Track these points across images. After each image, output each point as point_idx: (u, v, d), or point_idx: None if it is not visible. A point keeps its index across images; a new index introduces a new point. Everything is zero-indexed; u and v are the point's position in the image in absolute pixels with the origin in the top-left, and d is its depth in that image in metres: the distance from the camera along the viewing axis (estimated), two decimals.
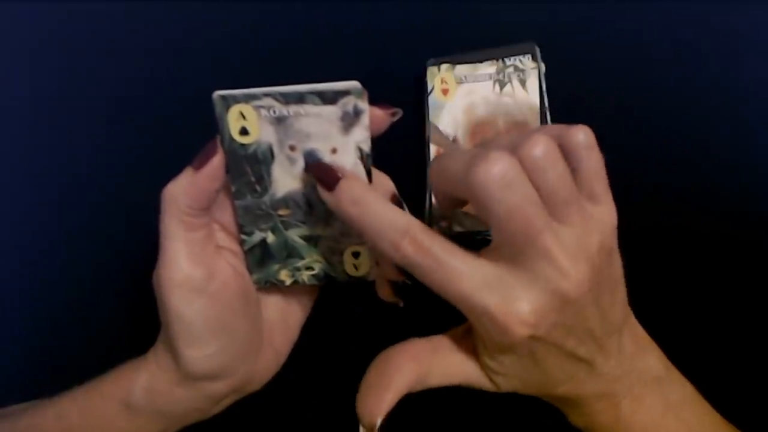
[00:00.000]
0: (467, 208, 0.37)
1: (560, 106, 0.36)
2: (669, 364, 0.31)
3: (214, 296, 0.29)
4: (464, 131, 0.37)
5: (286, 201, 0.30)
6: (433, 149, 0.38)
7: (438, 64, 0.38)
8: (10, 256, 0.42)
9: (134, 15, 0.42)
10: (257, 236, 0.31)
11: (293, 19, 0.41)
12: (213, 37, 0.41)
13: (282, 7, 0.41)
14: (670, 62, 0.38)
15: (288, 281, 0.32)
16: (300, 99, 0.28)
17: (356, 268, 0.32)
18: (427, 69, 0.38)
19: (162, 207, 0.29)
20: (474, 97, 0.37)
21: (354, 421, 0.41)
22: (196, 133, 0.41)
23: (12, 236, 0.42)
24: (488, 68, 0.37)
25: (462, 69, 0.37)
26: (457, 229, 0.37)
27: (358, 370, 0.41)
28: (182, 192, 0.28)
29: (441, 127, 0.37)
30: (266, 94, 0.28)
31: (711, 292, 0.38)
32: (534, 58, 0.36)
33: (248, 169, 0.29)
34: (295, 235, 0.31)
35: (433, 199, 0.37)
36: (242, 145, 0.29)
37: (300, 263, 0.32)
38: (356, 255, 0.31)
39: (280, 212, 0.30)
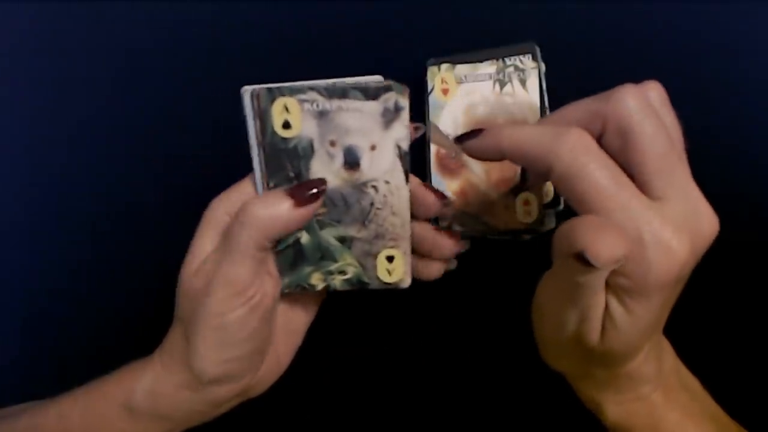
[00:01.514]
0: (476, 209, 0.37)
1: (560, 106, 0.36)
2: (676, 355, 0.31)
3: (254, 307, 0.29)
4: (464, 131, 0.37)
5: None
6: (433, 149, 0.38)
7: (438, 64, 0.38)
8: (10, 256, 0.42)
9: (134, 15, 0.42)
10: (291, 236, 0.30)
11: (293, 19, 0.41)
12: (213, 37, 0.41)
13: (282, 7, 0.41)
14: (670, 62, 0.38)
15: (320, 285, 0.31)
16: (343, 94, 0.28)
17: (390, 273, 0.31)
18: (427, 69, 0.38)
19: (242, 222, 0.28)
20: (474, 96, 0.37)
21: (354, 426, 0.41)
22: (196, 133, 0.41)
23: (12, 236, 0.42)
24: (488, 68, 0.37)
25: (462, 69, 0.37)
26: (457, 229, 0.37)
27: (359, 375, 0.41)
28: (271, 220, 0.28)
29: (441, 127, 0.37)
30: (311, 88, 0.28)
31: (710, 292, 0.38)
32: (534, 58, 0.36)
33: (288, 164, 0.29)
34: (329, 235, 0.30)
35: None
36: (284, 138, 0.29)
37: (333, 266, 0.31)
38: (390, 259, 0.31)
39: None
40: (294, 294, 0.32)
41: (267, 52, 0.41)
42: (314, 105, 0.28)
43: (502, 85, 0.36)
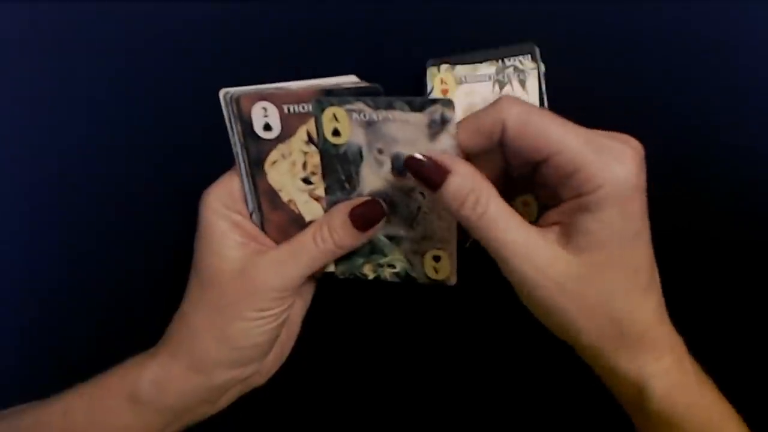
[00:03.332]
0: None
1: (560, 106, 0.36)
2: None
3: (290, 306, 0.32)
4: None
5: None
6: None
7: (438, 64, 0.38)
8: (10, 256, 0.42)
9: (134, 14, 0.42)
10: None
11: (294, 19, 0.41)
12: (214, 36, 0.41)
13: (283, 7, 0.41)
14: (670, 62, 0.38)
15: (371, 275, 0.33)
16: (389, 105, 0.29)
17: (436, 271, 0.32)
18: (427, 69, 0.38)
19: (317, 244, 0.31)
20: (474, 97, 0.37)
21: (355, 417, 0.41)
22: (197, 132, 0.41)
23: (12, 236, 0.42)
24: (488, 68, 0.37)
25: (462, 69, 0.37)
26: None
27: (356, 374, 0.41)
28: (350, 246, 0.31)
29: None
30: (358, 99, 0.29)
31: (710, 291, 0.38)
32: (534, 58, 0.36)
33: (339, 167, 0.31)
34: (379, 232, 0.32)
35: None
36: (334, 145, 0.30)
37: (383, 260, 0.33)
38: (437, 259, 0.32)
39: None
40: (347, 279, 0.34)
41: (267, 51, 0.41)
42: (362, 115, 0.29)
43: (502, 85, 0.36)
